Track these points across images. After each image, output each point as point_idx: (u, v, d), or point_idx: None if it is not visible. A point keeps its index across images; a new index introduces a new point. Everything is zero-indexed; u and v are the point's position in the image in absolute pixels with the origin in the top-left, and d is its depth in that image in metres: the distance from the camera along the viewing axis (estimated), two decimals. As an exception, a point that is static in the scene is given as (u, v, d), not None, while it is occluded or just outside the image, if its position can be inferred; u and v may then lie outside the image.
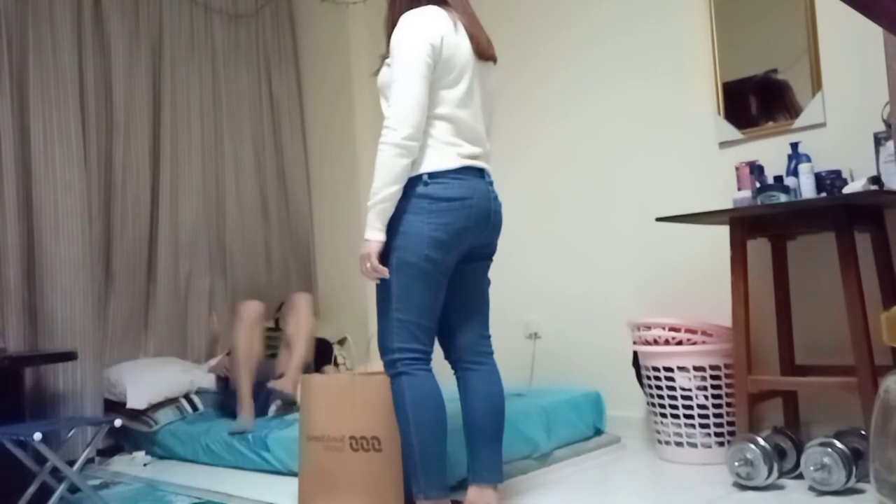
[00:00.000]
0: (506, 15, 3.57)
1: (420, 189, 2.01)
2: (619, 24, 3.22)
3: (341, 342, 4.11)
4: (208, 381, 3.63)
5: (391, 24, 2.10)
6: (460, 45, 2.06)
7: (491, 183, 2.16)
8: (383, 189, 1.97)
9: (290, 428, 2.88)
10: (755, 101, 2.80)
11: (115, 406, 3.41)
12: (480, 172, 2.11)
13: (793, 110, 2.71)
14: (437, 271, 2.04)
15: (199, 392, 3.60)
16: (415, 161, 2.01)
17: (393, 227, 2.01)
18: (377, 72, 2.14)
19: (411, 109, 1.97)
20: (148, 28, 3.95)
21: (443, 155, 2.03)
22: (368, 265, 1.98)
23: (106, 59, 3.76)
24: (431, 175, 2.02)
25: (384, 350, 2.08)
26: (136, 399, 3.37)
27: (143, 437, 3.43)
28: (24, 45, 3.39)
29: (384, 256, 2.02)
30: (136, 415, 3.40)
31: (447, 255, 2.04)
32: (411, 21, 2.02)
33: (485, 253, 2.20)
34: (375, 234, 1.99)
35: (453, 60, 2.04)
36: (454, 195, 2.02)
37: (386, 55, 2.10)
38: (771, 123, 2.75)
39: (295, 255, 4.38)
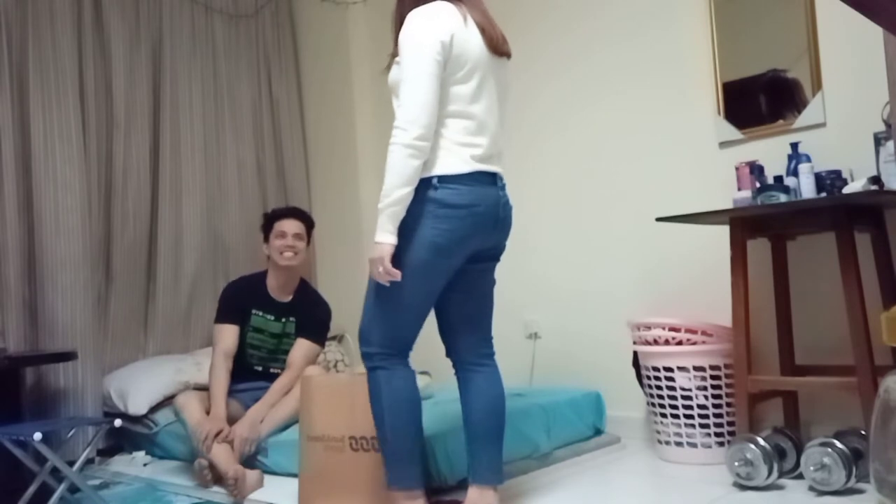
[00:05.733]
0: (508, 15, 3.56)
1: (429, 193, 1.97)
2: (620, 25, 3.21)
3: (339, 339, 4.11)
4: (203, 377, 3.57)
5: (399, 20, 2.06)
6: (470, 40, 2.02)
7: (503, 188, 2.12)
8: (394, 191, 1.92)
9: (287, 431, 2.87)
10: (765, 99, 2.78)
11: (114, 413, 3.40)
12: (493, 178, 2.08)
13: (802, 108, 2.69)
14: (434, 275, 2.02)
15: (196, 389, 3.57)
16: (426, 161, 1.98)
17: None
18: (387, 67, 2.10)
19: (421, 110, 1.93)
20: (148, 28, 3.95)
21: (455, 157, 2.00)
22: (381, 269, 1.94)
23: (106, 59, 3.76)
24: (441, 179, 1.98)
25: (364, 340, 2.07)
26: (137, 405, 3.36)
27: (143, 438, 3.43)
28: (24, 45, 3.39)
29: None
30: (136, 418, 3.39)
31: (447, 261, 2.02)
32: (419, 18, 1.99)
33: (491, 254, 2.18)
34: (387, 237, 1.94)
35: (464, 56, 2.00)
36: (462, 202, 1.99)
37: (395, 53, 2.06)
38: (780, 122, 2.73)
39: (295, 254, 4.38)
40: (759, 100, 2.80)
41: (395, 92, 2.05)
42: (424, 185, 1.98)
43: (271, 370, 3.12)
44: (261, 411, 2.86)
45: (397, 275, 1.95)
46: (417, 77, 1.94)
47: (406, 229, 1.97)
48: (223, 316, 3.09)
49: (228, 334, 3.04)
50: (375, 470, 2.26)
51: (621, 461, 2.78)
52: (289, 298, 3.14)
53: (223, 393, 2.92)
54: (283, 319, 3.13)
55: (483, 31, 2.06)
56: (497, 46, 2.09)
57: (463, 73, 2.01)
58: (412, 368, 2.09)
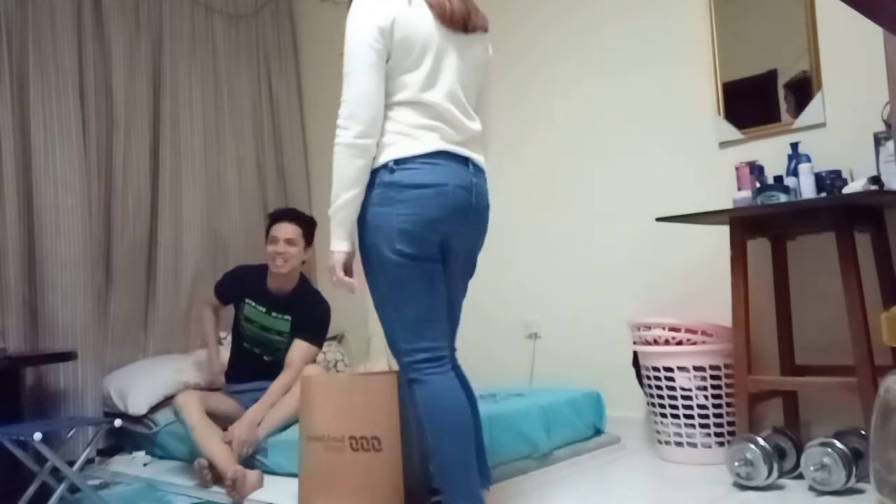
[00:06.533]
0: (507, 14, 3.57)
1: (386, 177, 1.84)
2: (619, 25, 3.21)
3: (339, 339, 4.11)
4: (199, 377, 3.56)
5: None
6: (418, 21, 1.87)
7: (477, 174, 1.95)
8: (341, 195, 1.85)
9: (287, 431, 2.87)
10: (792, 97, 2.73)
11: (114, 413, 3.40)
12: (464, 160, 1.92)
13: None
14: (416, 264, 1.86)
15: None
16: (381, 149, 1.87)
17: (365, 221, 1.88)
18: (341, 54, 1.99)
19: (360, 104, 1.84)
20: (148, 28, 3.96)
21: (411, 139, 1.86)
22: (335, 278, 1.89)
23: (106, 59, 3.76)
24: (398, 161, 1.85)
25: (394, 352, 1.95)
26: (137, 405, 3.36)
27: (142, 438, 3.43)
28: (24, 45, 3.40)
29: (368, 254, 1.90)
30: (136, 418, 3.39)
31: (421, 249, 1.85)
32: (359, 6, 1.88)
33: (466, 257, 2.02)
34: (339, 245, 1.88)
35: (410, 40, 1.86)
36: (424, 181, 1.84)
37: None
38: (793, 121, 2.72)
39: (295, 254, 4.38)
40: (779, 98, 2.76)
41: None
42: (381, 171, 1.86)
43: (265, 357, 3.12)
44: (259, 412, 2.86)
45: (352, 283, 1.89)
46: (354, 70, 1.86)
47: (374, 223, 1.86)
48: (219, 290, 3.25)
49: (217, 300, 3.26)
50: (375, 470, 2.25)
51: (621, 461, 2.78)
52: (286, 294, 3.14)
53: (213, 330, 3.23)
54: (276, 314, 3.12)
55: (433, 7, 1.90)
56: (455, 21, 1.91)
57: (412, 58, 1.87)
58: (452, 373, 1.92)
